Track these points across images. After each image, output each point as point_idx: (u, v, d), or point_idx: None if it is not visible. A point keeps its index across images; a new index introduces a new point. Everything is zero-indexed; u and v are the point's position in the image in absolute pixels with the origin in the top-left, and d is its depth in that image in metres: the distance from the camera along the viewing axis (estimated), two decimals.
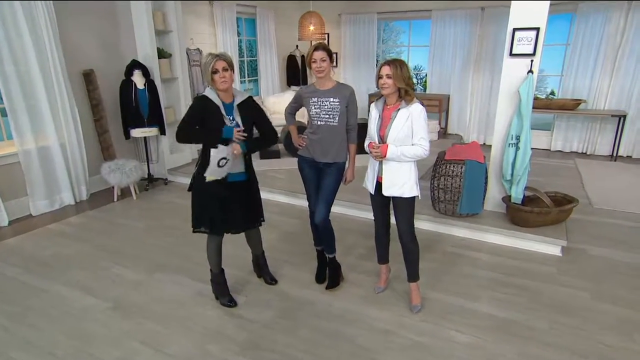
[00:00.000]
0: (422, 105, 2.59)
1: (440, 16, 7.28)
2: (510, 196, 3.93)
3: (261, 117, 2.81)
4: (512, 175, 3.90)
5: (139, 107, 5.01)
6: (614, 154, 6.42)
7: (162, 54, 5.45)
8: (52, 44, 4.40)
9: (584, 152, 6.80)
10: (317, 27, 6.30)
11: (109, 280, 3.30)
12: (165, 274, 3.38)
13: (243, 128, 2.62)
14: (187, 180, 5.52)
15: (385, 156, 2.61)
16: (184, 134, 2.60)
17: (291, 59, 8.45)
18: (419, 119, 2.56)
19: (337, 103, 2.84)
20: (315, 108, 2.88)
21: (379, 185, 2.77)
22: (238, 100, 2.67)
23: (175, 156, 5.83)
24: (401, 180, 2.67)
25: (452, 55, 7.28)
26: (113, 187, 4.97)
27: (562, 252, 3.63)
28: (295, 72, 8.48)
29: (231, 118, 2.63)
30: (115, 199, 4.95)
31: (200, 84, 6.55)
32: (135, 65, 4.99)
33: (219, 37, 6.84)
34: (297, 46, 8.48)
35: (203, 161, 2.63)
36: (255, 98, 2.77)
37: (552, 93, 6.55)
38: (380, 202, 2.87)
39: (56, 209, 4.70)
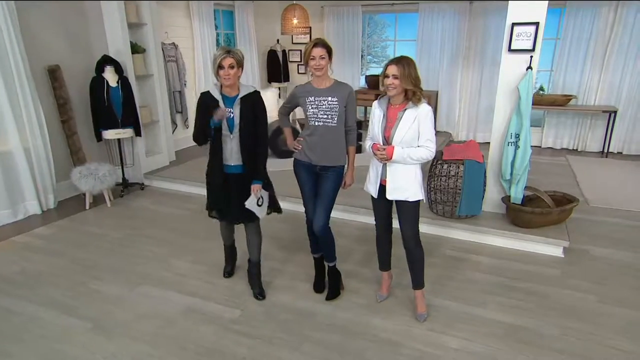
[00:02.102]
0: (429, 105, 2.45)
1: (427, 9, 7.09)
2: (509, 196, 3.79)
3: (259, 115, 2.73)
4: (511, 174, 3.76)
5: (111, 106, 4.62)
6: (605, 151, 6.39)
7: (135, 49, 5.08)
8: (11, 37, 3.99)
9: (574, 148, 6.77)
10: (301, 21, 6.02)
11: (86, 297, 3.01)
12: (149, 287, 3.12)
13: (231, 109, 2.64)
14: (165, 185, 5.27)
15: (391, 158, 2.45)
16: (195, 137, 2.74)
17: (272, 54, 8.14)
18: (426, 120, 2.43)
19: (336, 102, 2.67)
20: (312, 108, 2.69)
21: (381, 189, 2.61)
22: (242, 93, 2.66)
23: (151, 159, 5.47)
24: (406, 184, 2.52)
25: (439, 49, 7.12)
26: (84, 194, 4.59)
27: (564, 253, 3.53)
28: (276, 67, 8.18)
29: (230, 110, 2.63)
30: (87, 207, 4.58)
31: (176, 81, 6.19)
32: (106, 60, 4.60)
33: (195, 30, 6.48)
34: (277, 40, 8.18)
35: (211, 149, 2.76)
36: None
37: (542, 88, 6.47)
38: (383, 206, 2.71)
39: (20, 220, 4.30)
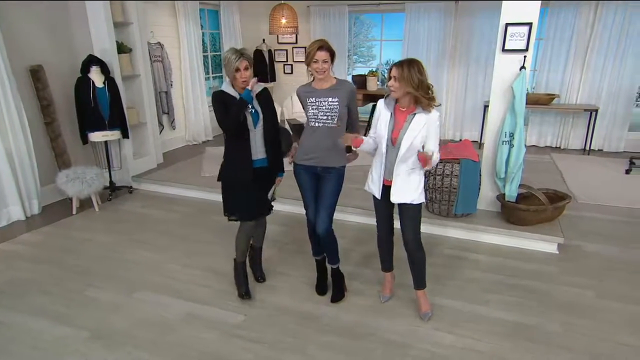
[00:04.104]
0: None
1: (413, 9, 7.13)
2: (504, 194, 3.84)
3: (273, 110, 2.85)
4: (506, 173, 3.81)
5: (98, 107, 4.46)
6: (587, 148, 6.56)
7: (121, 49, 4.92)
8: None
9: (557, 146, 6.91)
10: (289, 20, 5.97)
11: (81, 304, 2.91)
12: (146, 293, 3.04)
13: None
14: (153, 188, 5.14)
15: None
16: (225, 123, 2.67)
17: (258, 53, 8.05)
18: (435, 128, 2.44)
19: (336, 103, 2.64)
20: (312, 109, 2.67)
21: (384, 189, 2.58)
22: (256, 91, 2.72)
23: (139, 161, 5.32)
24: (412, 187, 2.52)
25: (426, 49, 7.16)
26: (70, 199, 4.42)
27: (558, 249, 3.60)
28: (263, 67, 8.09)
29: (250, 106, 2.68)
30: (74, 212, 4.42)
31: (162, 82, 6.05)
32: (92, 61, 4.44)
33: (181, 30, 6.34)
34: (263, 40, 8.10)
35: (233, 147, 2.77)
36: None
37: None
38: (385, 207, 2.69)
39: (3, 226, 4.12)
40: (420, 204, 2.58)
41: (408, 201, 2.54)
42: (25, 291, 3.06)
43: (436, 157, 2.45)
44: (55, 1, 4.54)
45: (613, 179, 5.35)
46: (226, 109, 2.65)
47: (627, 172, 5.53)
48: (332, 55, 2.58)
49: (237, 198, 2.80)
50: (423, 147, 2.46)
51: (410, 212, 2.59)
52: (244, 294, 2.95)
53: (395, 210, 2.70)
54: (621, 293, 3.03)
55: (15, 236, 3.92)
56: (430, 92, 2.37)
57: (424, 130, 2.41)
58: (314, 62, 2.55)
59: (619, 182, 5.22)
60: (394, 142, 2.48)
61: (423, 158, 2.38)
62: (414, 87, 2.31)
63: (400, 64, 2.34)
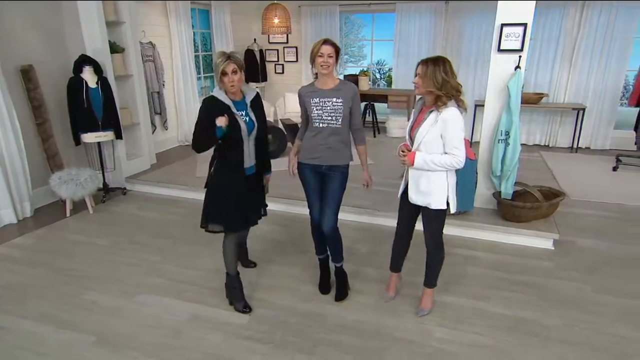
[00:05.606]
0: (460, 110, 2.33)
1: (404, 9, 7.20)
2: (500, 192, 3.91)
3: (264, 119, 2.71)
4: (501, 171, 3.88)
5: (91, 108, 4.38)
6: (575, 146, 6.70)
7: (114, 48, 4.85)
8: None
9: (546, 144, 7.04)
10: (281, 20, 5.97)
11: (82, 309, 2.86)
12: (148, 296, 3.00)
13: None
14: (147, 189, 5.08)
15: (412, 164, 2.42)
16: (196, 143, 2.56)
17: (249, 53, 8.02)
18: (452, 126, 2.30)
19: (341, 104, 2.65)
20: (317, 109, 2.66)
21: (407, 190, 2.59)
22: (249, 97, 2.62)
23: (133, 162, 5.25)
24: (427, 190, 2.49)
25: (417, 49, 7.23)
26: (63, 201, 4.34)
27: (553, 245, 3.67)
28: (254, 67, 8.07)
29: (244, 114, 2.57)
30: (67, 214, 4.34)
31: (154, 82, 5.98)
32: (85, 60, 4.36)
33: (172, 29, 6.27)
34: (255, 40, 8.07)
35: (226, 158, 2.62)
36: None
37: None
38: (405, 206, 2.68)
39: None
40: (442, 210, 2.51)
41: (423, 204, 2.51)
42: (24, 296, 3.00)
43: (437, 159, 2.36)
44: (47, 0, 4.45)
45: (601, 176, 5.49)
46: (210, 119, 2.45)
47: (614, 169, 5.68)
48: (337, 51, 2.58)
49: (225, 205, 2.64)
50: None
51: (428, 217, 2.55)
52: (244, 308, 2.81)
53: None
54: (615, 287, 3.11)
55: (7, 240, 3.83)
56: (458, 92, 2.30)
57: (436, 129, 2.32)
58: (319, 57, 2.54)
59: (607, 179, 5.36)
60: (412, 139, 2.49)
61: (400, 149, 2.50)
62: (437, 86, 2.26)
63: (425, 62, 2.31)
